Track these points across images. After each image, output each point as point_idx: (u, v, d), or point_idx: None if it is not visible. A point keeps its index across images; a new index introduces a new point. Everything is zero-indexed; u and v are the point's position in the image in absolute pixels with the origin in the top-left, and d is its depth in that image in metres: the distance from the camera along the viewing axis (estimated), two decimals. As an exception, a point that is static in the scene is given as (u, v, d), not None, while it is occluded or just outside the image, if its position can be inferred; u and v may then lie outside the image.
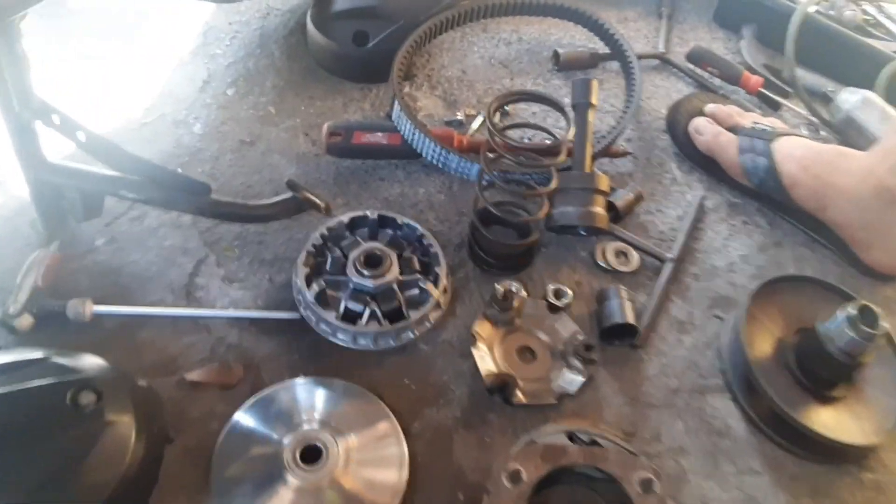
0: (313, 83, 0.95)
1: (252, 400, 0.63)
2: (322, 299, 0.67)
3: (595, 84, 0.80)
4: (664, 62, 1.09)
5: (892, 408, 0.69)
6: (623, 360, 0.73)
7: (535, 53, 1.07)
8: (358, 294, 0.67)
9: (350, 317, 0.67)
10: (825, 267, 0.86)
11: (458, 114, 0.93)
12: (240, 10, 1.05)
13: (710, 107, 0.95)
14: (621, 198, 0.84)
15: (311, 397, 0.64)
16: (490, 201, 0.73)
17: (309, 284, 0.67)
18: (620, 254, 0.81)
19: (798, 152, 0.84)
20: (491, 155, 0.73)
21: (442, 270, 0.70)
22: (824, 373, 0.68)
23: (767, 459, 0.68)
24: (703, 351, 0.76)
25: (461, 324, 0.73)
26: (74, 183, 0.69)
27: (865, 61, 1.07)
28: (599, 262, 0.80)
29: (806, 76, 1.08)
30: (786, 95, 1.06)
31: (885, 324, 0.63)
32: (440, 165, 0.82)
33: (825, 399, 0.69)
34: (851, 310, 0.64)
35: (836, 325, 0.65)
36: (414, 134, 0.80)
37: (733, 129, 0.91)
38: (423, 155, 0.82)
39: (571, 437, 0.62)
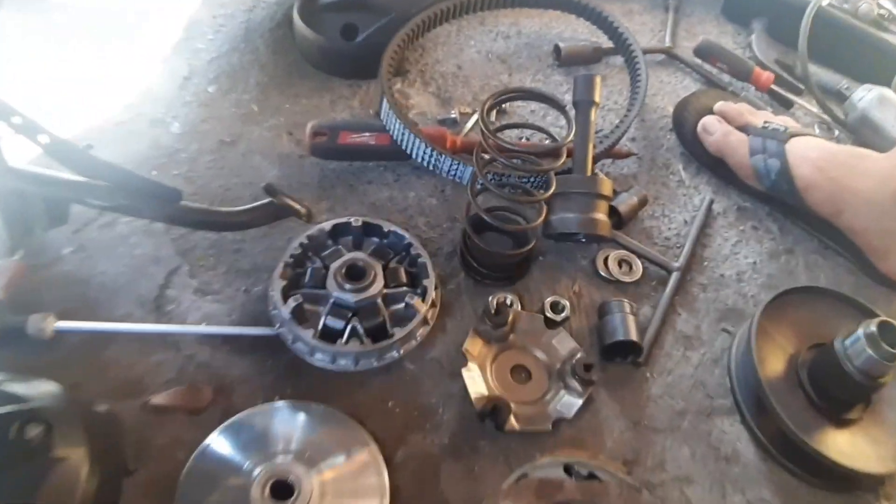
0: (299, 79, 0.88)
1: (222, 426, 0.57)
2: (299, 315, 0.60)
3: (598, 80, 0.72)
4: (670, 57, 1.02)
5: (912, 432, 0.62)
6: (625, 379, 0.66)
7: (534, 48, 0.99)
8: (338, 309, 0.60)
9: (330, 334, 0.60)
10: (838, 275, 0.79)
11: (453, 112, 0.85)
12: (225, 3, 0.97)
13: (719, 104, 0.88)
14: (625, 202, 0.76)
15: (286, 423, 0.57)
16: (483, 207, 0.66)
17: (286, 298, 0.60)
18: (623, 262, 0.74)
19: (813, 154, 0.77)
20: (485, 157, 0.66)
21: (430, 283, 0.63)
22: (840, 393, 0.63)
23: (779, 488, 0.62)
24: (710, 368, 0.69)
25: (451, 340, 0.66)
26: (36, 189, 0.63)
27: (882, 57, 1.01)
28: (601, 272, 0.73)
29: (819, 73, 1.01)
30: (798, 93, 0.99)
31: (907, 342, 0.57)
32: (431, 168, 0.75)
33: (840, 422, 0.63)
34: (871, 327, 0.58)
35: (855, 342, 0.60)
36: (403, 134, 0.73)
37: (744, 129, 0.84)
38: (413, 156, 0.75)
39: (568, 469, 0.55)
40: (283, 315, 0.59)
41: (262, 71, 0.88)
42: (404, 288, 0.63)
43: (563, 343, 0.65)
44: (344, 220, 0.67)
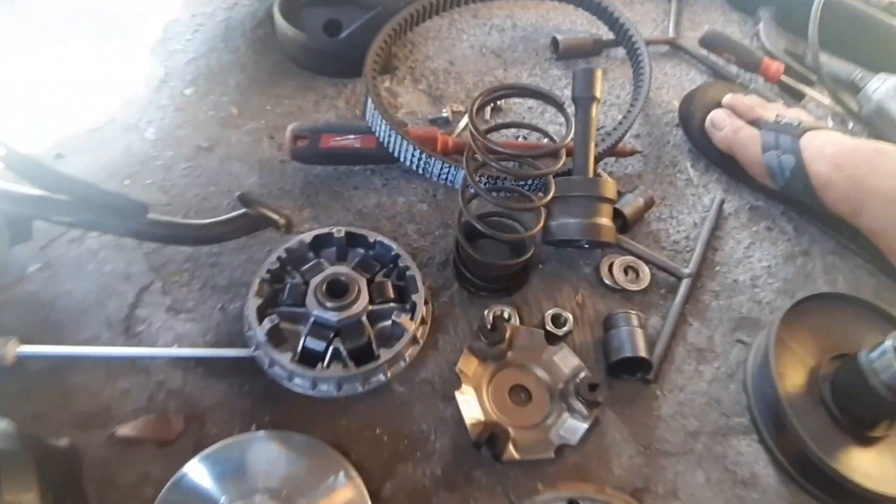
0: (282, 80, 0.82)
1: (194, 460, 0.51)
2: (276, 336, 0.54)
3: (599, 74, 0.66)
4: (674, 48, 0.95)
5: (942, 451, 0.56)
6: (634, 397, 0.60)
7: (531, 41, 0.93)
8: (319, 329, 0.55)
9: (310, 356, 0.54)
10: (858, 278, 0.73)
11: (444, 110, 0.79)
12: (205, 1, 0.92)
13: (728, 97, 0.81)
14: (629, 204, 0.70)
15: (263, 456, 0.51)
16: (476, 214, 0.60)
17: (261, 318, 0.54)
18: (629, 269, 0.68)
19: (830, 149, 0.71)
20: (476, 160, 0.60)
21: (420, 298, 0.57)
22: (865, 410, 0.57)
23: (800, 514, 0.56)
24: (725, 383, 0.63)
25: (444, 359, 0.60)
26: (-5, 203, 0.57)
27: (896, 46, 0.93)
28: (605, 280, 0.67)
29: (831, 62, 0.95)
30: (810, 83, 0.92)
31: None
32: (421, 171, 0.69)
33: (865, 440, 0.57)
34: (900, 338, 0.52)
35: (882, 355, 0.54)
36: (389, 135, 0.67)
37: (755, 123, 0.78)
38: (401, 159, 0.69)
39: (573, 504, 0.50)
40: (259, 337, 0.54)
41: (242, 72, 0.82)
42: (391, 304, 0.58)
43: (566, 360, 0.59)
44: (326, 230, 0.61)
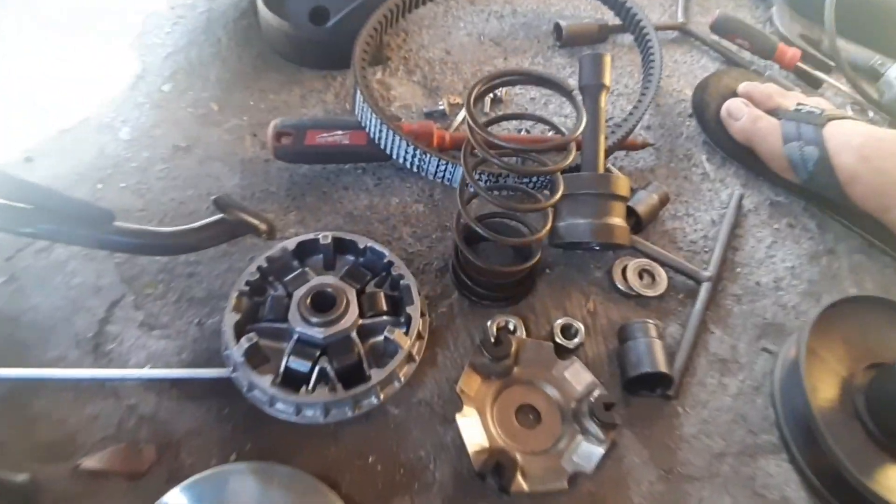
0: (266, 73, 0.76)
1: (167, 495, 0.45)
2: (254, 357, 0.48)
3: (608, 60, 0.60)
4: (684, 34, 0.89)
5: None
6: (653, 415, 0.54)
7: (532, 28, 0.86)
8: (303, 347, 0.48)
9: (294, 378, 0.48)
10: (886, 278, 0.67)
11: (441, 103, 0.73)
12: (185, -8, 0.85)
13: (744, 85, 0.75)
14: (643, 201, 0.64)
15: (243, 491, 0.45)
16: (476, 216, 0.54)
17: (239, 336, 0.48)
18: (644, 273, 0.62)
19: (856, 140, 0.65)
20: (476, 155, 0.54)
21: (415, 310, 0.51)
22: None
23: (837, 543, 0.50)
24: (751, 397, 0.57)
25: (443, 377, 0.54)
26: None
27: (917, 31, 0.87)
28: (618, 285, 0.60)
29: (848, 48, 0.88)
30: (827, 70, 0.85)
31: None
32: (415, 169, 0.63)
33: (904, 457, 0.51)
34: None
35: None
36: (381, 130, 0.61)
37: (774, 112, 0.71)
38: (394, 157, 0.62)
39: (591, 543, 0.44)
40: (235, 357, 0.47)
41: (223, 66, 0.76)
42: (384, 317, 0.51)
43: (578, 376, 0.53)
44: (311, 236, 0.54)
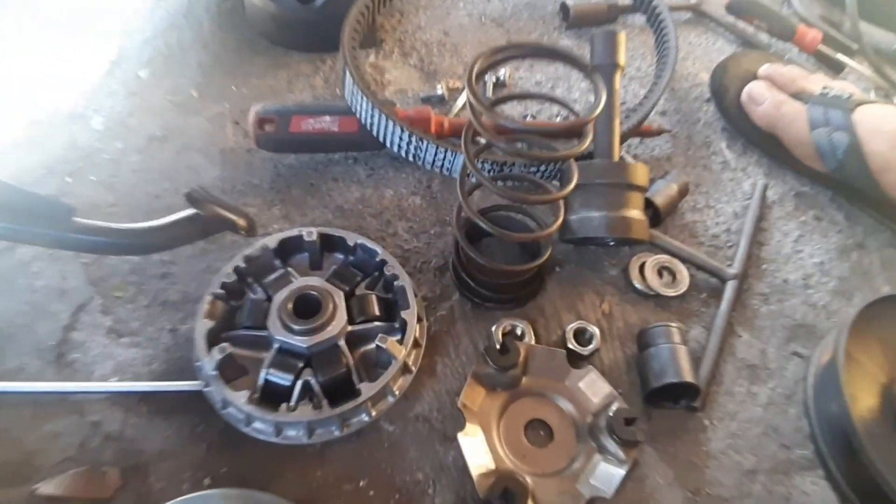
0: (250, 57, 0.69)
1: (127, 529, 0.39)
2: (230, 369, 0.42)
3: (622, 38, 0.54)
4: (698, 15, 0.82)
5: None
6: (678, 430, 0.48)
7: (537, 7, 0.80)
8: (285, 358, 0.42)
9: (274, 393, 0.42)
10: (920, 274, 0.61)
11: (439, 87, 0.67)
12: (166, -26, 0.79)
13: (765, 68, 0.69)
14: (661, 192, 0.58)
15: (215, 522, 0.40)
16: (478, 209, 0.48)
17: (213, 346, 0.42)
18: (664, 270, 0.55)
19: (889, 125, 0.59)
20: (479, 141, 0.47)
21: (411, 314, 0.45)
22: None
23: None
24: (783, 407, 0.51)
25: (443, 389, 0.47)
26: None
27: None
28: (636, 284, 0.54)
29: (870, 31, 0.82)
30: (850, 53, 0.79)
31: None
32: (412, 158, 0.56)
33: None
34: None
35: None
36: (373, 116, 0.55)
37: (798, 97, 0.65)
38: (388, 145, 0.56)
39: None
40: (207, 370, 0.41)
41: (205, 50, 0.70)
42: (376, 323, 0.45)
43: (595, 386, 0.47)
44: (294, 232, 0.48)
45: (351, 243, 0.48)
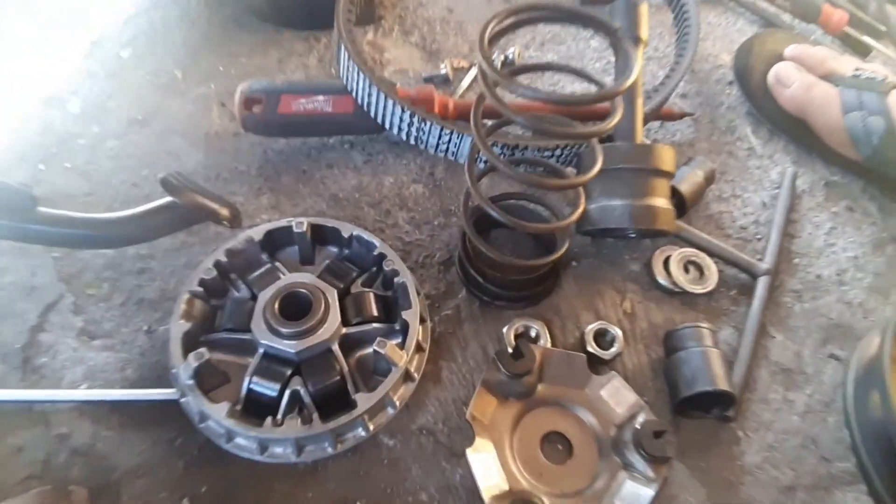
0: (239, 35, 0.63)
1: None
2: (208, 377, 0.36)
3: (645, 9, 0.48)
4: (718, -7, 0.77)
5: None
6: (709, 442, 0.43)
7: (546, -14, 0.74)
8: (271, 365, 0.37)
9: (259, 404, 0.37)
10: (960, 269, 0.55)
11: (443, 66, 0.61)
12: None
13: (792, 48, 0.63)
14: (686, 179, 0.52)
15: (191, 551, 0.35)
16: (488, 196, 0.42)
17: (190, 351, 0.37)
18: (690, 265, 0.50)
19: None
20: (488, 120, 0.42)
21: (414, 314, 0.40)
22: None
23: None
24: (822, 415, 0.46)
25: (449, 398, 0.42)
26: None
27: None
28: (660, 280, 0.49)
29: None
30: (878, 36, 0.73)
31: None
32: (413, 141, 0.51)
33: None
34: None
35: None
36: (371, 94, 0.49)
37: (828, 79, 0.59)
38: (388, 127, 0.51)
39: None
40: (182, 379, 0.36)
41: (191, 27, 0.64)
42: (374, 324, 0.40)
43: (618, 395, 0.41)
44: (283, 223, 0.43)
45: (346, 235, 0.43)
